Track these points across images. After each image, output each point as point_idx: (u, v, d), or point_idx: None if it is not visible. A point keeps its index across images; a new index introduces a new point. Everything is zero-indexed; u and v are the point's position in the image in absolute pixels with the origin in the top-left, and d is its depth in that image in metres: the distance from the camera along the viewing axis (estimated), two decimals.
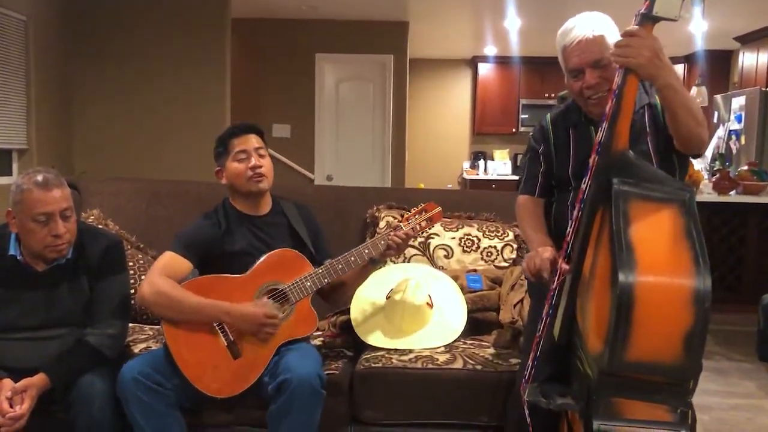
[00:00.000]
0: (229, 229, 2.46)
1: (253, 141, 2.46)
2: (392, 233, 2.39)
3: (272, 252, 2.40)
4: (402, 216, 2.48)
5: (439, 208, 2.49)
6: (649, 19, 1.69)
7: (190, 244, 2.39)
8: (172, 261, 2.35)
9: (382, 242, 2.38)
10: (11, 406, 2.04)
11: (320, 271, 2.36)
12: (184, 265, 2.35)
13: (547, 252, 1.94)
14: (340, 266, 2.37)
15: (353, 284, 2.55)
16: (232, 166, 2.44)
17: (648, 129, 1.98)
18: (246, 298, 2.31)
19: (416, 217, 2.45)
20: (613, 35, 1.94)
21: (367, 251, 2.38)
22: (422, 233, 2.54)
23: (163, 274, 2.29)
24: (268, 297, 2.33)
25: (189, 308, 2.24)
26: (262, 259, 2.37)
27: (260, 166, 2.43)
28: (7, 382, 2.08)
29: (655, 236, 1.60)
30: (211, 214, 2.50)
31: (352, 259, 2.38)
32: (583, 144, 2.06)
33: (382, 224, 3.00)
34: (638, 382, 1.60)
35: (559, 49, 2.01)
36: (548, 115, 2.20)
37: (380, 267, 2.53)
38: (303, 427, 2.15)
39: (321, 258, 2.50)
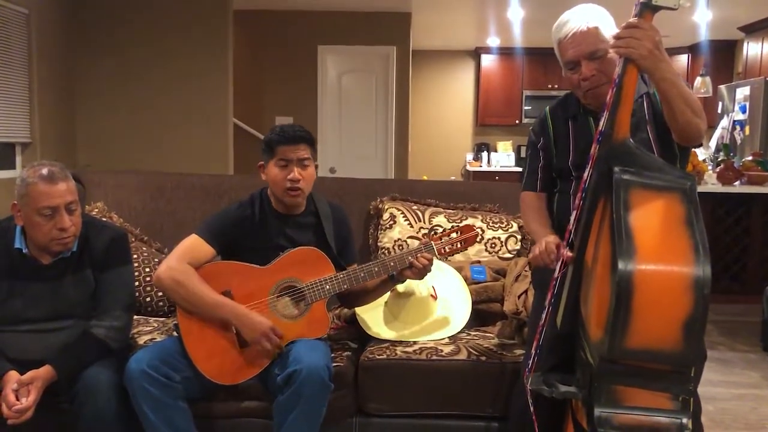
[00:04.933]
0: (261, 223, 2.44)
1: (299, 152, 2.38)
2: (419, 254, 2.34)
3: (297, 249, 2.38)
4: (435, 233, 2.41)
5: (476, 232, 2.45)
6: (648, 8, 1.68)
7: (218, 231, 2.37)
8: (195, 245, 2.34)
9: (409, 258, 2.34)
10: (17, 399, 2.05)
11: (341, 276, 2.35)
12: (207, 251, 2.34)
13: (550, 238, 1.95)
14: (362, 274, 2.35)
15: (372, 296, 2.52)
16: (273, 170, 2.40)
17: (647, 118, 1.99)
18: (262, 291, 2.31)
19: (449, 237, 2.41)
20: (607, 27, 1.94)
21: (392, 264, 2.35)
22: (451, 255, 2.46)
23: (183, 259, 2.29)
24: (286, 294, 2.33)
25: (204, 305, 2.24)
26: (285, 254, 2.36)
27: (298, 180, 2.37)
28: (13, 375, 2.08)
29: (655, 224, 1.61)
30: (246, 205, 2.47)
31: (376, 269, 2.35)
32: (582, 135, 2.07)
33: (386, 216, 3.01)
34: (639, 369, 1.60)
35: (555, 43, 2.02)
36: (547, 108, 2.21)
37: (399, 284, 2.50)
38: (309, 419, 2.15)
39: (346, 262, 2.48)
